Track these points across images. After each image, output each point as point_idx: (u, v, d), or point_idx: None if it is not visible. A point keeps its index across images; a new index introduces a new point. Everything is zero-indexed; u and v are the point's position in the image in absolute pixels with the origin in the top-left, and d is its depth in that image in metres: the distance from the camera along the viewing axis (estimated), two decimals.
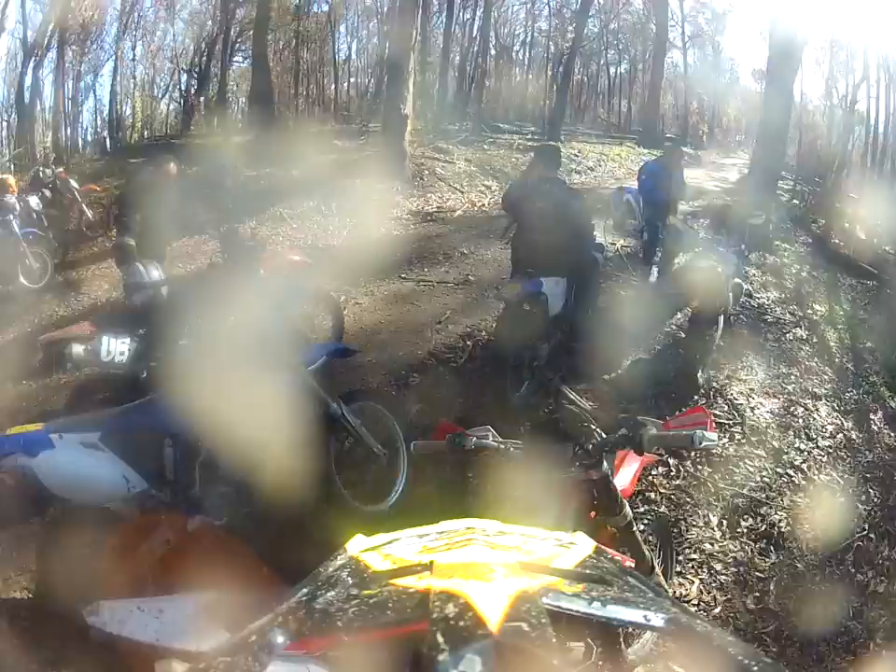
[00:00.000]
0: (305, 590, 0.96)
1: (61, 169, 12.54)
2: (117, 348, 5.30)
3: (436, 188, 12.06)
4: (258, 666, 0.74)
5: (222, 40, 16.00)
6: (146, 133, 16.48)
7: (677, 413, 4.97)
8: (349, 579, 0.98)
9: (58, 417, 4.30)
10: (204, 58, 16.54)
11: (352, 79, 16.78)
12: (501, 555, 0.98)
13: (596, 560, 1.06)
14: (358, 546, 1.17)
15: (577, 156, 13.79)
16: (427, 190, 11.95)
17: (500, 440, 2.67)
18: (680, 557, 4.07)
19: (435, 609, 0.76)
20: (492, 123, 14.84)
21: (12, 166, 14.71)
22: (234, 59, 16.30)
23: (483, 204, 11.46)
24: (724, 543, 4.33)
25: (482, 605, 0.75)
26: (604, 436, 2.62)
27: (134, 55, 16.73)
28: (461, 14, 15.50)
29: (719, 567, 4.19)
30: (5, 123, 16.51)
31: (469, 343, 6.48)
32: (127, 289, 6.06)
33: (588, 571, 0.98)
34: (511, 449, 2.61)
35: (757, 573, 4.25)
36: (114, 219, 7.19)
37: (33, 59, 15.89)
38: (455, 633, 0.71)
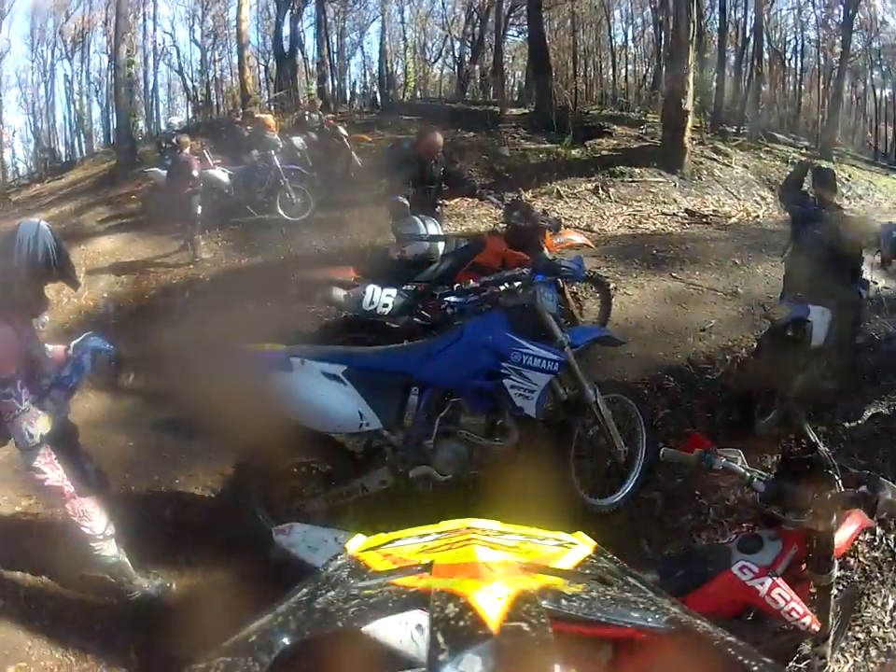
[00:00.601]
0: (305, 590, 0.98)
1: (329, 116, 13.09)
2: (381, 299, 5.33)
3: (713, 189, 11.83)
4: (258, 666, 0.74)
5: (495, 12, 16.32)
6: (418, 93, 17.15)
7: None
8: (349, 579, 0.99)
9: (300, 344, 4.50)
10: (477, 28, 16.92)
11: (629, 66, 16.82)
12: (501, 555, 0.99)
13: (596, 560, 1.08)
14: (358, 546, 1.22)
15: (848, 180, 12.96)
16: (704, 191, 11.74)
17: (748, 467, 2.56)
18: (849, 633, 3.76)
19: (435, 608, 0.77)
20: (767, 131, 14.35)
21: (272, 107, 15.78)
22: (508, 32, 16.66)
23: (758, 216, 11.11)
24: (889, 630, 3.86)
25: (482, 605, 0.76)
26: (843, 489, 2.45)
27: (402, 18, 17.43)
28: (733, 12, 15.23)
29: (874, 653, 3.75)
30: (262, 67, 17.71)
31: (727, 357, 6.24)
32: (400, 240, 5.93)
33: (588, 571, 1.01)
34: (756, 480, 2.49)
35: None
36: (387, 176, 7.02)
37: (288, 11, 16.93)
38: (455, 633, 0.71)
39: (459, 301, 4.76)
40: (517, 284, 4.12)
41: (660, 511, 4.47)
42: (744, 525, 2.78)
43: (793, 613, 2.32)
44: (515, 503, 4.32)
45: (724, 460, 2.52)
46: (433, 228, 5.72)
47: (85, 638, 3.75)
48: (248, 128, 12.36)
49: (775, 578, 2.33)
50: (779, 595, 2.31)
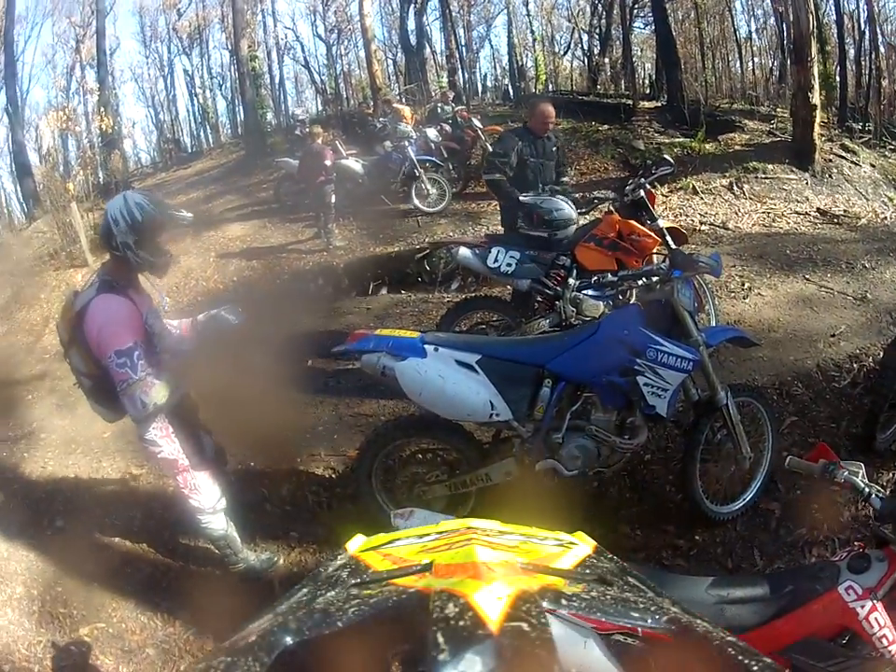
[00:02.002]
0: (305, 590, 1.00)
1: (461, 108, 13.10)
2: (504, 259, 5.55)
3: (843, 189, 11.44)
4: (258, 666, 0.74)
5: (619, 5, 16.28)
6: (550, 86, 17.07)
7: None
8: (349, 579, 1.00)
9: (431, 330, 4.56)
10: (603, 21, 16.95)
11: (755, 59, 16.50)
12: (501, 555, 1.00)
13: (596, 560, 1.09)
14: (358, 546, 1.23)
15: None
16: (835, 190, 11.37)
17: (868, 482, 2.45)
18: None
19: (435, 608, 0.77)
20: (891, 128, 13.79)
21: (402, 99, 15.86)
22: (634, 24, 16.56)
23: (886, 217, 10.67)
24: None
25: (482, 605, 0.76)
26: None
27: (528, 11, 17.58)
28: (846, 3, 14.75)
29: None
30: (390, 61, 18.29)
31: (855, 365, 5.86)
32: (529, 217, 5.86)
33: (588, 571, 1.02)
34: (874, 496, 2.39)
35: None
36: (486, 157, 7.19)
37: (412, 5, 17.40)
38: (455, 633, 0.72)
39: (597, 295, 4.91)
40: (654, 279, 4.01)
41: (776, 522, 4.35)
42: (856, 543, 2.70)
43: (883, 640, 2.23)
44: (636, 504, 4.47)
45: (847, 473, 2.46)
46: (572, 207, 5.81)
47: (177, 605, 3.91)
48: (381, 119, 12.56)
49: (875, 601, 2.25)
50: (875, 619, 2.23)
